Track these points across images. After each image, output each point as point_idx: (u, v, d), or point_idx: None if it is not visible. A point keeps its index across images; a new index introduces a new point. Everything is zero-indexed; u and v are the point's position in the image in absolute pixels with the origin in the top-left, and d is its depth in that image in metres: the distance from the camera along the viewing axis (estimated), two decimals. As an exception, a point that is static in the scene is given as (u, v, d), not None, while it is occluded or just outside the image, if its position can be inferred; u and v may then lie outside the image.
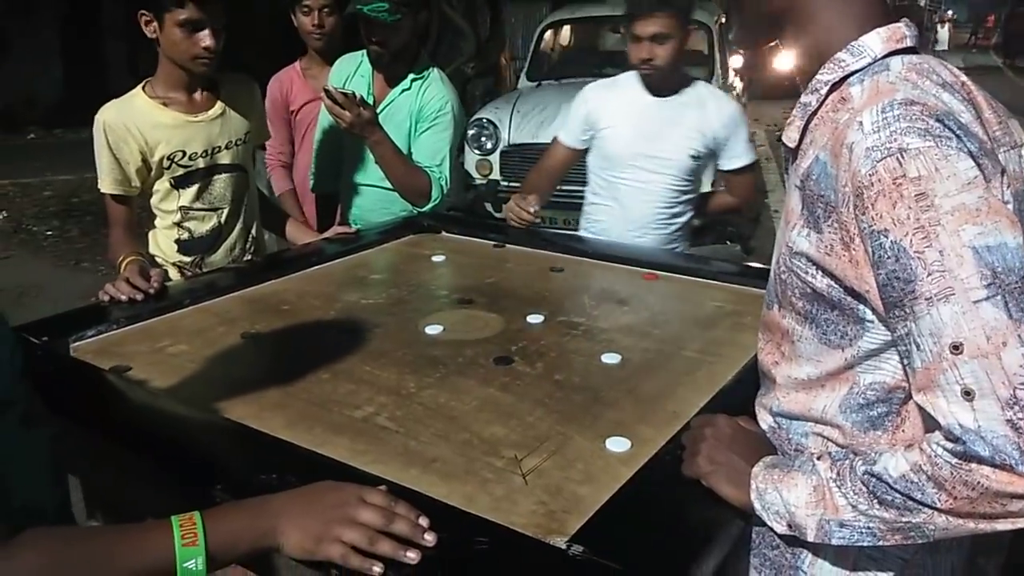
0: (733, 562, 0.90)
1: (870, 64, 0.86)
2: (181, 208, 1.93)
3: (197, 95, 1.92)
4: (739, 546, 0.92)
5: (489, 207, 5.25)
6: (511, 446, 1.12)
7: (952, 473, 0.73)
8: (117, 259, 1.81)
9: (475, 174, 5.25)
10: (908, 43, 0.87)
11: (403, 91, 2.25)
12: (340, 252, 1.99)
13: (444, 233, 2.18)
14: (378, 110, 2.17)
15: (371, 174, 2.25)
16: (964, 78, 0.87)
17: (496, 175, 5.21)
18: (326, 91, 2.04)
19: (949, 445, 0.73)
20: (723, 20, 6.23)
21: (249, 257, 2.07)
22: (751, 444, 0.97)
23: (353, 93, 2.04)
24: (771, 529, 0.88)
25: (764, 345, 1.02)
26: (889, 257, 0.76)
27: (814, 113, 0.91)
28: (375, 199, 2.31)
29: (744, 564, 0.99)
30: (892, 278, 0.76)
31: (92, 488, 1.51)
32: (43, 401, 0.91)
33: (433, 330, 1.52)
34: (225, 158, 1.96)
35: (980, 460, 0.71)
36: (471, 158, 5.23)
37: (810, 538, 0.83)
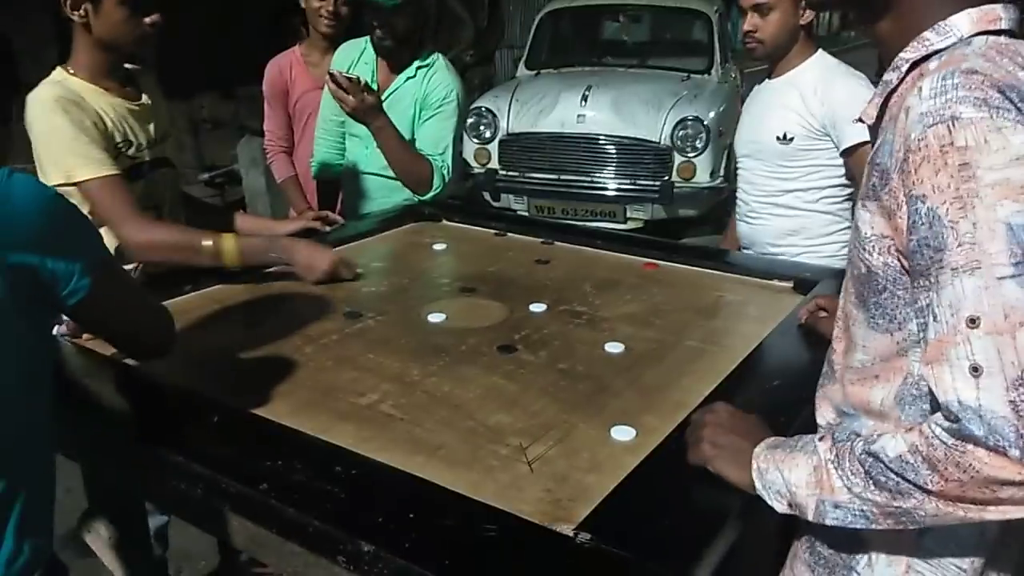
0: (739, 550, 0.91)
1: (954, 44, 0.82)
2: None
3: (127, 87, 1.71)
4: (745, 534, 0.93)
5: (487, 196, 5.24)
6: (516, 434, 1.12)
7: (946, 454, 0.72)
8: (200, 246, 1.61)
9: (473, 163, 5.24)
10: (1003, 25, 0.82)
11: (408, 78, 2.23)
12: (342, 240, 1.98)
13: (445, 221, 2.18)
14: (382, 97, 2.16)
15: (373, 162, 2.24)
16: None
17: (495, 164, 5.20)
18: (331, 75, 2.02)
19: (946, 424, 0.72)
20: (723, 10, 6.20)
21: None
22: (751, 427, 0.97)
23: (358, 78, 2.02)
24: (812, 523, 0.85)
25: (836, 334, 0.99)
26: (923, 223, 0.75)
27: (893, 91, 0.88)
28: (377, 187, 2.30)
29: (749, 551, 0.99)
30: (923, 245, 0.75)
31: (93, 475, 1.51)
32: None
33: (436, 318, 1.52)
34: (162, 151, 1.78)
35: (975, 441, 0.70)
36: (469, 147, 5.21)
37: (809, 518, 0.84)
